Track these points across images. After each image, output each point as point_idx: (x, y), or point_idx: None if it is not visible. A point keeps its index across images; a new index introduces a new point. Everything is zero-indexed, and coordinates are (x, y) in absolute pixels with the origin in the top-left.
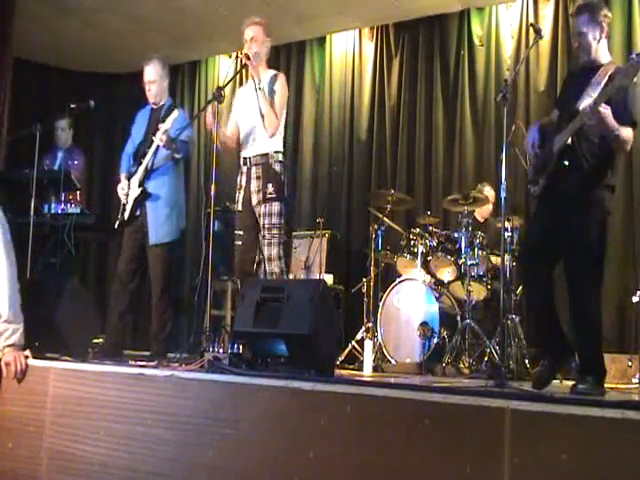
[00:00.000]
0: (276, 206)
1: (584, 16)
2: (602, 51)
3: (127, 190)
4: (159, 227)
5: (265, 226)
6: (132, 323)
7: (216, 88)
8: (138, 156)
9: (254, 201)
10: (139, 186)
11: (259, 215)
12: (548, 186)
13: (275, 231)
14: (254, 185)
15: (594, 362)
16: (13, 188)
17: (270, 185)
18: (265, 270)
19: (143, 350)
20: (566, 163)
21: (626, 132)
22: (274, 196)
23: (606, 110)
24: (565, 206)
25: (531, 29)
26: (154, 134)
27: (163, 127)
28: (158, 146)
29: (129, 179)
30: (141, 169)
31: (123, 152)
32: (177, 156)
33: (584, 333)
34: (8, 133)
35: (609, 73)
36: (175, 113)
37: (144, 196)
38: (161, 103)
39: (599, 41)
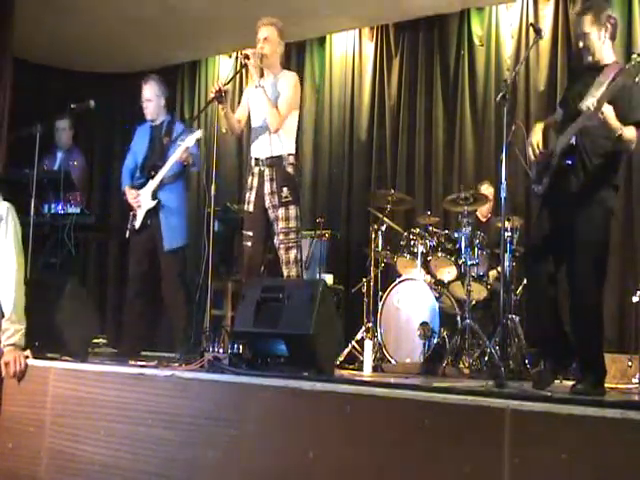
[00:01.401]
0: (292, 209)
1: (588, 16)
2: (606, 51)
3: (139, 198)
4: (172, 234)
5: (282, 230)
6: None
7: (216, 89)
8: (146, 170)
9: (267, 204)
10: (152, 198)
11: (274, 219)
12: (552, 185)
13: (292, 235)
14: (267, 187)
15: (594, 362)
16: (13, 188)
17: (285, 189)
18: (282, 275)
19: (162, 351)
20: (569, 163)
21: (630, 132)
22: (290, 199)
23: (608, 110)
24: (568, 205)
25: (531, 29)
26: (162, 149)
27: (184, 144)
28: (175, 162)
29: (137, 189)
30: (155, 182)
31: (123, 167)
32: (193, 169)
33: (585, 333)
34: (8, 133)
35: (613, 73)
36: (199, 133)
37: (157, 207)
38: (159, 120)
39: (603, 42)
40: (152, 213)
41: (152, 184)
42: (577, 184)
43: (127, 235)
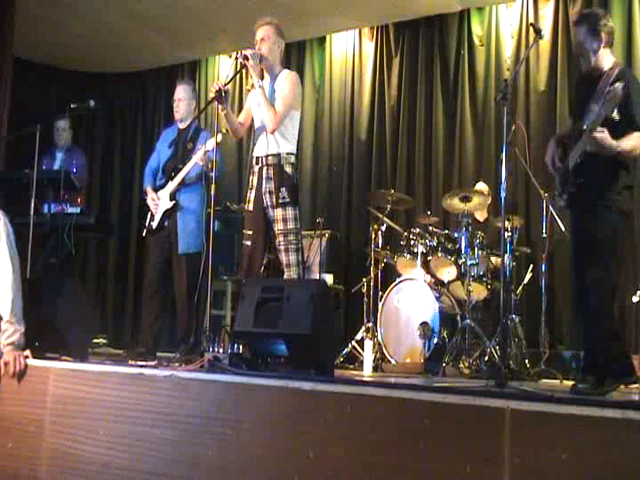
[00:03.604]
0: (290, 211)
1: (583, 26)
2: (603, 58)
3: (158, 201)
4: (188, 238)
5: (281, 232)
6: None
7: (216, 89)
8: (168, 171)
9: (266, 203)
10: (170, 199)
11: (272, 220)
12: (571, 199)
13: (291, 237)
14: (265, 186)
15: (595, 361)
16: (13, 188)
17: (284, 189)
18: (284, 277)
19: (162, 351)
20: (581, 180)
21: (630, 142)
22: (288, 200)
23: (601, 133)
24: (584, 213)
25: (531, 29)
26: (185, 153)
27: (203, 148)
28: (195, 164)
29: (156, 191)
30: (174, 183)
31: (146, 166)
32: (211, 174)
33: (589, 333)
34: (8, 133)
35: (611, 78)
36: (219, 137)
37: (175, 208)
38: (187, 123)
39: (598, 50)
40: (170, 214)
41: (171, 185)
42: (590, 193)
43: (144, 234)
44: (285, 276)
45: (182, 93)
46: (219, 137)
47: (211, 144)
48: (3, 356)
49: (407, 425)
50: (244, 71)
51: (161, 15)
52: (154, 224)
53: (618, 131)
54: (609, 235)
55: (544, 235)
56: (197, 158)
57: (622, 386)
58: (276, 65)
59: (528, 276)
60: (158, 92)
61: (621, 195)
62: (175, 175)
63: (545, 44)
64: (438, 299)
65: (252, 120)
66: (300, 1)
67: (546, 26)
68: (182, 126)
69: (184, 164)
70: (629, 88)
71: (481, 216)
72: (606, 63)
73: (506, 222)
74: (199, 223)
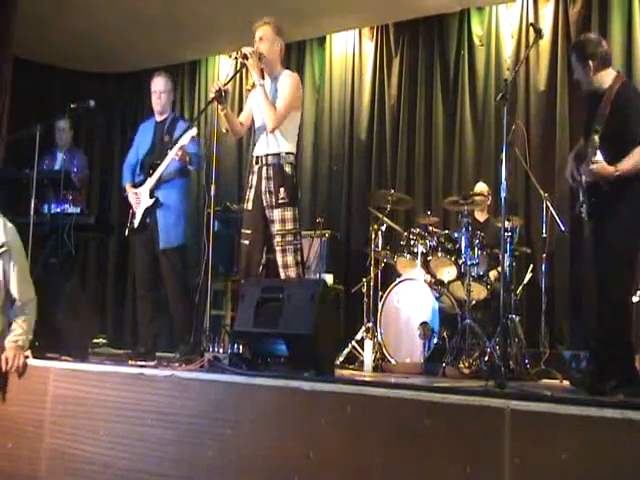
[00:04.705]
0: (289, 211)
1: (574, 54)
2: (601, 79)
3: (138, 197)
4: (168, 232)
5: (279, 232)
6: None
7: (216, 89)
8: (146, 167)
9: (265, 202)
10: (150, 196)
11: (271, 220)
12: (589, 212)
13: (290, 237)
14: (264, 185)
15: (601, 354)
16: (13, 188)
17: (282, 189)
18: (281, 277)
19: (162, 351)
20: (594, 200)
21: (630, 160)
22: (287, 201)
23: (597, 165)
24: (602, 223)
25: (531, 29)
26: (163, 147)
27: (180, 142)
28: (172, 159)
29: (136, 187)
30: (152, 180)
31: (125, 162)
32: (190, 168)
33: (604, 327)
34: (8, 133)
35: (610, 99)
36: (194, 130)
37: (155, 205)
38: (165, 116)
39: (591, 74)
40: (150, 211)
41: (150, 182)
42: (604, 208)
43: (126, 234)
44: (282, 276)
45: (163, 86)
46: (193, 131)
47: (186, 138)
48: (5, 352)
49: (407, 425)
50: (244, 71)
51: (161, 15)
52: (136, 222)
53: (621, 145)
54: (625, 243)
55: (544, 235)
56: (172, 154)
57: (622, 396)
58: (276, 65)
59: (528, 276)
60: None
61: (634, 203)
62: (153, 171)
63: (545, 44)
64: (438, 299)
65: (252, 120)
66: (300, 1)
67: (546, 26)
68: (159, 119)
69: (162, 159)
70: (628, 106)
71: (481, 216)
72: (605, 82)
73: (506, 222)
74: (179, 217)
